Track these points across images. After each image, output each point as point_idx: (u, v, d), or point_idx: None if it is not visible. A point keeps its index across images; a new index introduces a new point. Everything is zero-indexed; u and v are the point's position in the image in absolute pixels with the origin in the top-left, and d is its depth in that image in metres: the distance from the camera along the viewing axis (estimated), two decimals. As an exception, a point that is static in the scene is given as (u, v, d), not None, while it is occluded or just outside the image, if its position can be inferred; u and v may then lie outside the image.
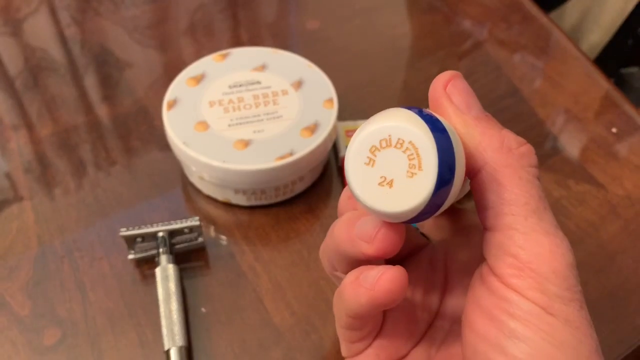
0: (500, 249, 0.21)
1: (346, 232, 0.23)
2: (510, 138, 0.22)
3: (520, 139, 0.22)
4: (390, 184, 0.19)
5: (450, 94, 0.22)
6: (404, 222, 0.21)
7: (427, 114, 0.20)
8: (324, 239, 0.26)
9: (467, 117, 0.22)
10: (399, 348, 0.26)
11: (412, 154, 0.19)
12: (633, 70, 0.70)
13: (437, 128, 0.19)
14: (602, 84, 0.49)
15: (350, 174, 0.20)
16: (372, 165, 0.19)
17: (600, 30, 0.71)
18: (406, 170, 0.19)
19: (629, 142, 0.45)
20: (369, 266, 0.23)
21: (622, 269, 0.38)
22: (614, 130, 0.46)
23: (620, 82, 0.70)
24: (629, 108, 0.47)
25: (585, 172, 0.43)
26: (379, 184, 0.19)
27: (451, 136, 0.19)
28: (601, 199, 0.42)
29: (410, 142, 0.19)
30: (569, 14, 0.75)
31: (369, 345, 0.26)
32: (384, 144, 0.19)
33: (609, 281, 0.37)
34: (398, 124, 0.19)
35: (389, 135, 0.19)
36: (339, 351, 0.34)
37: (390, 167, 0.19)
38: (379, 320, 0.26)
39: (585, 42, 0.74)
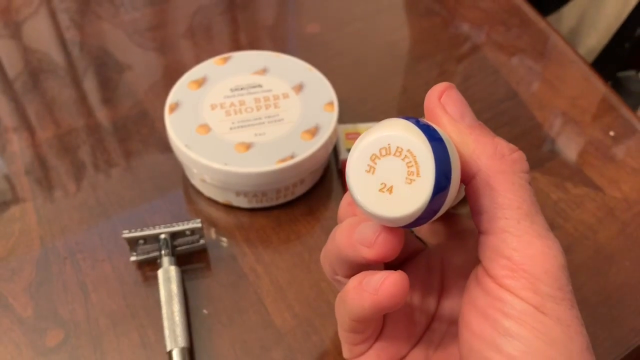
0: (495, 251, 0.22)
1: (347, 237, 0.23)
2: (502, 145, 0.22)
3: (512, 146, 0.23)
4: (390, 190, 0.20)
5: (444, 104, 0.23)
6: (402, 227, 0.22)
7: (424, 124, 0.20)
8: (325, 244, 0.26)
9: (461, 125, 0.23)
10: (398, 349, 0.27)
11: (410, 162, 0.20)
12: (630, 73, 0.70)
13: (433, 137, 0.20)
14: (599, 88, 0.50)
15: (352, 181, 0.21)
16: (373, 173, 0.20)
17: (598, 33, 0.72)
18: (405, 177, 0.20)
19: (626, 145, 0.46)
20: (371, 271, 0.24)
21: (619, 271, 0.38)
22: (611, 133, 0.46)
23: (618, 86, 0.71)
24: (626, 111, 0.48)
25: (583, 175, 0.44)
26: (379, 190, 0.20)
27: (447, 144, 0.20)
28: (599, 201, 0.42)
29: (408, 151, 0.20)
30: (566, 17, 0.75)
31: (370, 347, 0.27)
32: (383, 152, 0.20)
33: (607, 283, 0.38)
34: (397, 133, 0.20)
35: (389, 144, 0.20)
36: (339, 353, 0.34)
37: (390, 174, 0.20)
38: (380, 323, 0.27)
39: (583, 46, 0.75)
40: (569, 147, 0.46)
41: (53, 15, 0.53)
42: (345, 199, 0.27)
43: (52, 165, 0.42)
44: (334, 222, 0.40)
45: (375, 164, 0.20)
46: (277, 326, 0.35)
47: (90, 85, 0.48)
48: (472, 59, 0.52)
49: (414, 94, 0.49)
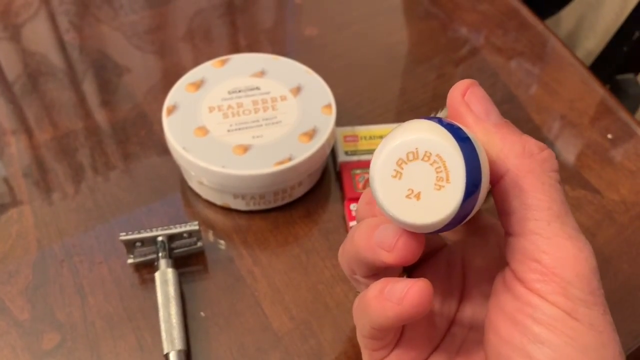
0: (524, 254, 0.21)
1: (366, 239, 0.23)
2: (531, 143, 0.22)
3: (541, 144, 0.22)
4: (418, 196, 0.20)
5: (469, 102, 0.22)
6: (428, 233, 0.21)
7: (449, 124, 0.20)
8: (343, 243, 0.26)
9: (487, 124, 0.22)
10: (419, 354, 0.26)
11: (439, 167, 0.19)
12: (628, 76, 0.70)
13: (460, 137, 0.19)
14: (597, 90, 0.50)
15: (377, 186, 0.20)
16: (399, 178, 0.20)
17: (596, 36, 0.72)
18: (434, 182, 0.19)
19: (624, 148, 0.46)
20: (393, 279, 0.23)
21: (617, 273, 0.38)
22: (609, 136, 0.46)
23: (616, 89, 0.70)
24: (624, 114, 0.48)
25: (581, 178, 0.44)
26: (407, 196, 0.20)
27: (475, 145, 0.20)
28: (597, 204, 0.42)
29: (437, 155, 0.19)
30: (565, 20, 0.75)
31: (390, 352, 0.26)
32: (411, 157, 0.19)
33: (605, 286, 0.37)
34: (425, 137, 0.19)
35: (416, 148, 0.19)
36: (337, 356, 0.34)
37: (418, 180, 0.19)
38: (401, 328, 0.26)
39: (581, 49, 0.75)
40: (567, 150, 0.46)
41: (52, 17, 0.53)
42: (364, 197, 0.26)
43: (50, 167, 0.42)
44: (332, 225, 0.40)
45: (402, 169, 0.20)
46: (274, 329, 0.35)
47: (88, 87, 0.48)
48: (470, 62, 0.52)
49: (412, 96, 0.49)
